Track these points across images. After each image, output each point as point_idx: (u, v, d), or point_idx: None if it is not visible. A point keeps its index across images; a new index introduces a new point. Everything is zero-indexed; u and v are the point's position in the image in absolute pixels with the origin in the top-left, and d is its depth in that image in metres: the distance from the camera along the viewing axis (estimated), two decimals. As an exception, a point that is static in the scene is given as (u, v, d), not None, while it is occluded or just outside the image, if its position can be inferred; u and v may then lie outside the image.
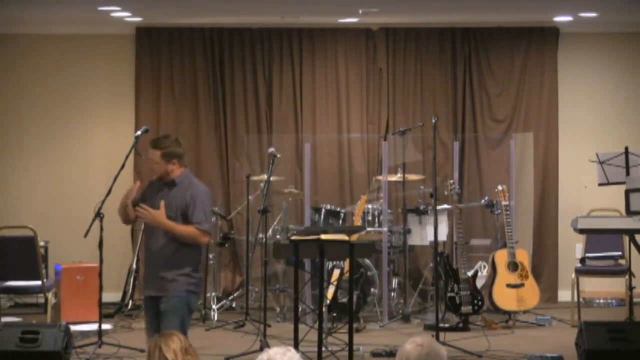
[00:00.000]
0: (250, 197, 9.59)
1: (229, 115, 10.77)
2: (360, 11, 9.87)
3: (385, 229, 9.61)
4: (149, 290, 6.32)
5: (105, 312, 9.24)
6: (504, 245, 9.46)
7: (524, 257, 9.48)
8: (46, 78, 10.86)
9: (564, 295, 10.33)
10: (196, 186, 6.42)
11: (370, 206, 9.79)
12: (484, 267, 9.93)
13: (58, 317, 9.12)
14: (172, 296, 6.20)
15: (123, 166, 7.37)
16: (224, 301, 10.12)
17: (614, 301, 10.50)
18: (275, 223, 9.91)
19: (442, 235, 9.57)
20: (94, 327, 8.61)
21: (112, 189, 7.40)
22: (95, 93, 10.88)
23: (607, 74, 10.94)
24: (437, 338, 8.01)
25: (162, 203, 6.21)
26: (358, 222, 9.36)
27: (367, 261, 9.55)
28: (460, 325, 9.11)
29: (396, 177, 9.81)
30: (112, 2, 9.37)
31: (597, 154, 9.19)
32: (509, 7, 10.07)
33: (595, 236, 9.53)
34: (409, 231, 9.71)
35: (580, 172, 10.64)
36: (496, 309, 9.37)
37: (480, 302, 9.13)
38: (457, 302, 9.11)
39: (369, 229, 9.61)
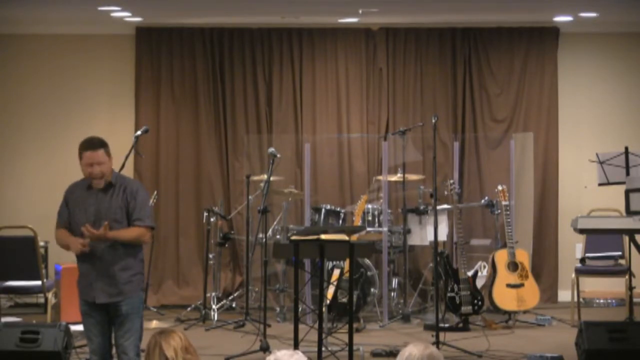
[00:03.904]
0: (250, 197, 9.58)
1: (229, 115, 10.76)
2: (360, 11, 9.87)
3: (385, 229, 9.61)
4: (100, 297, 6.06)
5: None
6: (504, 245, 9.45)
7: (524, 257, 9.47)
8: (46, 78, 10.85)
9: (564, 295, 10.33)
10: (131, 181, 6.27)
11: (370, 206, 9.78)
12: (484, 267, 9.92)
13: (58, 317, 9.10)
14: (130, 297, 6.09)
15: (123, 166, 7.36)
16: (224, 301, 10.11)
17: (614, 301, 10.50)
18: (275, 223, 9.91)
19: (442, 235, 9.55)
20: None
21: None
22: (95, 93, 10.88)
23: (607, 74, 10.94)
24: (437, 338, 8.01)
25: (106, 224, 5.92)
26: (358, 222, 9.36)
27: (367, 261, 9.55)
28: (460, 325, 9.11)
29: (396, 177, 9.81)
30: (112, 2, 9.37)
31: (597, 154, 9.18)
32: (509, 7, 10.06)
33: (595, 236, 9.52)
34: (409, 231, 9.70)
35: (580, 172, 10.63)
36: (496, 309, 9.37)
37: (480, 302, 9.12)
38: (457, 302, 9.11)
39: (369, 229, 9.61)
